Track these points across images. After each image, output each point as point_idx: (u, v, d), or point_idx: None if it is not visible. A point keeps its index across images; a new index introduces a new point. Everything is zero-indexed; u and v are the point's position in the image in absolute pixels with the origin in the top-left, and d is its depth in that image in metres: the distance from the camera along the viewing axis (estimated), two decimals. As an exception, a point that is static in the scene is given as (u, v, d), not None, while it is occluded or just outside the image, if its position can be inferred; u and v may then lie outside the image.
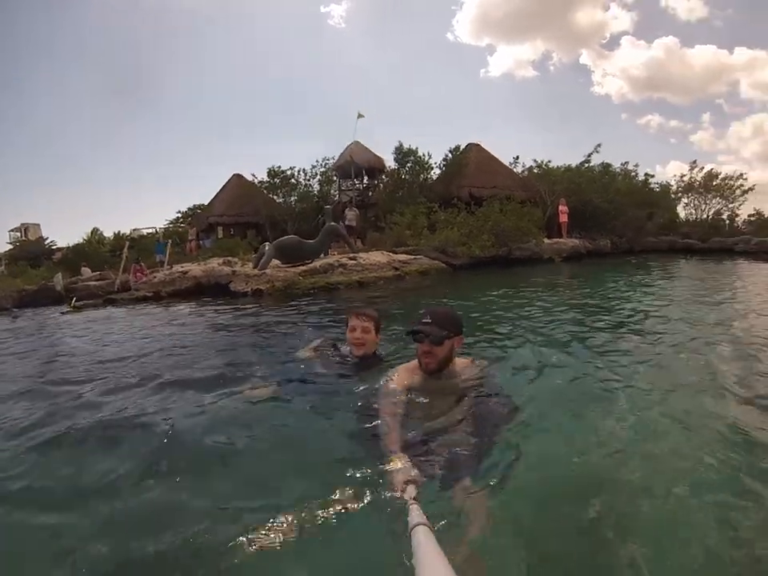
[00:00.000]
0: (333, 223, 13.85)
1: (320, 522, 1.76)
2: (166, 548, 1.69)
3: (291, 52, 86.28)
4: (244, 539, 1.68)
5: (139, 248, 20.86)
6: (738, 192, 24.89)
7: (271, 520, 1.77)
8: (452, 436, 2.26)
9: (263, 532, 1.71)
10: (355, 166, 23.63)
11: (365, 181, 25.47)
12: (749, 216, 26.09)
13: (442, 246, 14.36)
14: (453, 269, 13.45)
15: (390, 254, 13.36)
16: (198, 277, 11.29)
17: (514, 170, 25.14)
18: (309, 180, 24.85)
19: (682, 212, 26.58)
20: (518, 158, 25.37)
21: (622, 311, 6.31)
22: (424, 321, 2.58)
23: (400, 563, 1.46)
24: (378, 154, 24.95)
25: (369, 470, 2.06)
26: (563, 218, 19.24)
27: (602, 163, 23.92)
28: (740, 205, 25.36)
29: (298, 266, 11.19)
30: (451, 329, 2.62)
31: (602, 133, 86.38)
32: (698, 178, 25.33)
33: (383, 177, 24.39)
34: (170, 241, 15.72)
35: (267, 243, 12.18)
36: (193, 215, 33.20)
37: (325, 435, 2.58)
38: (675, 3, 68.97)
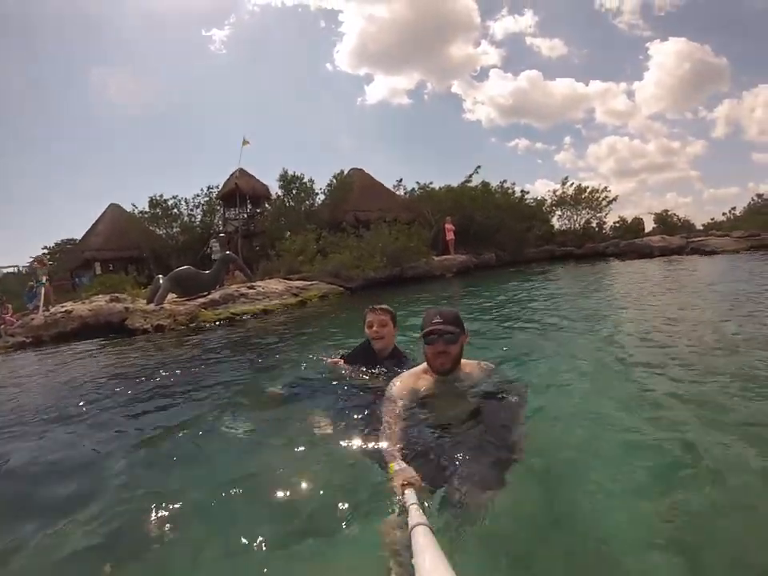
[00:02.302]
0: (228, 252, 13.94)
1: (321, 523, 1.90)
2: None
3: (171, 76, 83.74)
4: (246, 539, 1.83)
5: (2, 289, 18.67)
6: (603, 203, 28.51)
7: (271, 521, 1.93)
8: (467, 446, 2.28)
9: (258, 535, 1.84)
10: (240, 193, 23.58)
11: (248, 209, 25.41)
12: (614, 223, 30.40)
13: (335, 270, 14.86)
14: (350, 291, 14.00)
15: (286, 281, 13.59)
16: (85, 316, 10.34)
17: (397, 192, 26.53)
18: (192, 210, 24.52)
19: (556, 223, 29.55)
20: (401, 180, 26.88)
21: (512, 312, 7.80)
22: (435, 321, 2.61)
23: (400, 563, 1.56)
24: (263, 182, 25.15)
25: (369, 473, 2.22)
26: (450, 236, 20.59)
27: (482, 182, 25.89)
28: (606, 214, 29.16)
29: (195, 298, 10.84)
30: (460, 327, 2.69)
31: (474, 155, 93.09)
32: (569, 192, 28.45)
33: (267, 205, 24.61)
34: (45, 278, 14.12)
35: (161, 276, 11.70)
36: (61, 251, 31.12)
37: (328, 440, 2.73)
38: (539, 42, 78.23)
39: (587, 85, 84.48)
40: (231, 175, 24.55)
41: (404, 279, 16.02)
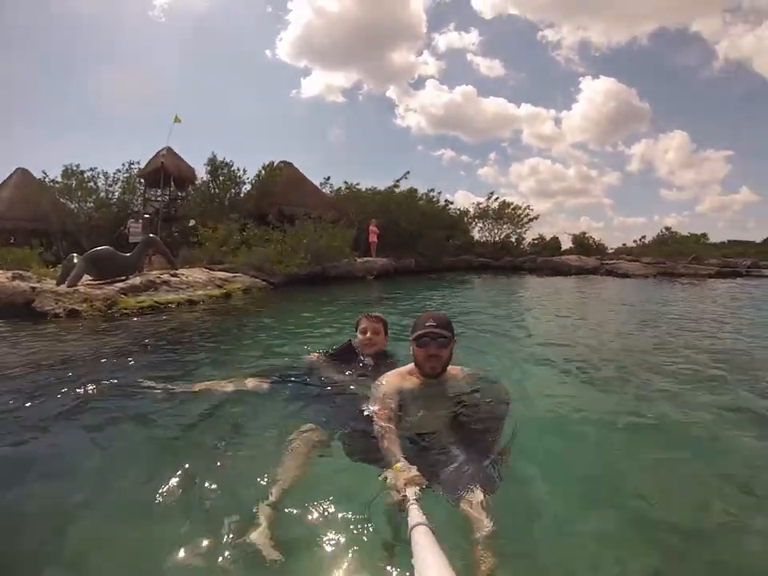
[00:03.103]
0: (153, 235, 13.33)
1: (321, 524, 1.91)
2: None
3: (101, 33, 78.44)
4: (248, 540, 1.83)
5: None
6: (525, 219, 30.48)
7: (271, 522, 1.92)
8: (456, 445, 2.36)
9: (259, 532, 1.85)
10: (165, 173, 22.40)
11: (171, 191, 24.09)
12: (533, 239, 32.37)
13: (259, 263, 14.82)
14: (273, 286, 14.00)
15: (209, 271, 13.36)
16: (-19, 296, 8.50)
17: (324, 190, 26.60)
18: (110, 186, 23.13)
19: (476, 235, 31.10)
20: (329, 178, 26.96)
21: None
22: (429, 324, 2.69)
23: (400, 563, 1.59)
24: (190, 165, 24.16)
25: (368, 474, 2.21)
26: (373, 238, 21.05)
27: (410, 188, 26.64)
28: (526, 230, 31.26)
29: (112, 282, 9.95)
30: (452, 331, 2.77)
31: (401, 160, 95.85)
32: (493, 206, 30.25)
33: (191, 190, 23.80)
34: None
35: (75, 255, 10.70)
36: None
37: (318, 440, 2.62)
38: (479, 60, 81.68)
39: (519, 107, 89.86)
40: (157, 153, 23.23)
41: (326, 278, 16.19)
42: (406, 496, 1.77)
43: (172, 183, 23.64)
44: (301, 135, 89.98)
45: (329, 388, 3.41)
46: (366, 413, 2.62)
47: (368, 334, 3.71)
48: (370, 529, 1.89)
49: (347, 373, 3.59)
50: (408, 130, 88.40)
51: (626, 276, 22.90)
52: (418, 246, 24.34)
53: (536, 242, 32.83)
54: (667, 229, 33.44)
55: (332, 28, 78.30)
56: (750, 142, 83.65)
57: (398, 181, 26.38)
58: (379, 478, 1.97)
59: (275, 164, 24.23)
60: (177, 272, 11.81)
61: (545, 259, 26.94)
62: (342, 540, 1.86)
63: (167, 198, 23.87)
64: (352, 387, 3.33)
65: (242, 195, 23.02)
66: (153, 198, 23.90)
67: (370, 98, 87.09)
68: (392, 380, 2.78)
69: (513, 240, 31.30)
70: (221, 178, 22.23)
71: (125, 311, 8.63)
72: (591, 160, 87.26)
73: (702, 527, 2.19)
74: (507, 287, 17.08)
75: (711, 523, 2.22)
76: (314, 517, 1.99)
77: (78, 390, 3.73)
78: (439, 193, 28.35)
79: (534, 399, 3.80)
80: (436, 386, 2.77)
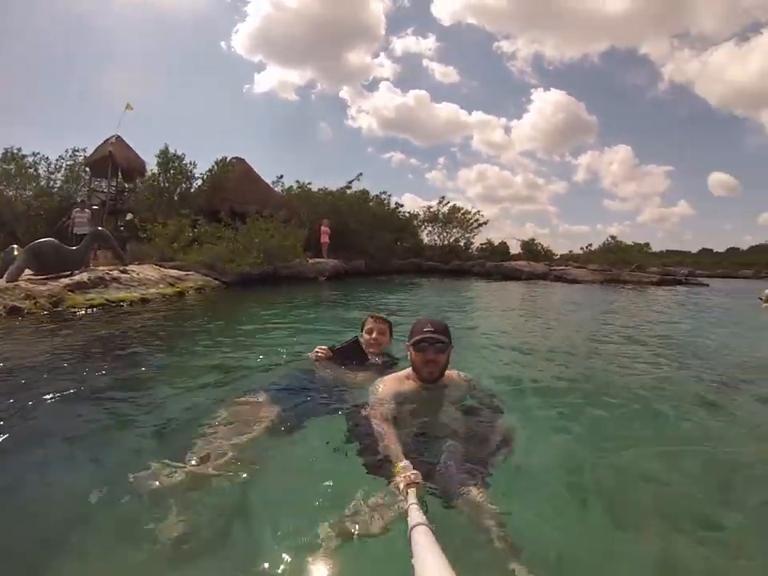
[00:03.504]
0: (101, 228, 12.83)
1: (321, 524, 1.85)
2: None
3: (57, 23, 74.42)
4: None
5: None
6: (474, 224, 31.15)
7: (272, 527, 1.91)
8: (452, 447, 2.30)
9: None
10: (113, 163, 21.60)
11: (118, 183, 23.26)
12: (481, 244, 33.02)
13: (211, 261, 14.61)
14: (225, 285, 13.84)
15: (160, 268, 13.01)
16: None
17: (276, 188, 26.38)
18: (52, 173, 22.24)
19: (425, 238, 31.54)
20: (281, 177, 26.97)
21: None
22: (427, 330, 2.74)
23: (400, 563, 1.51)
24: (140, 156, 23.15)
25: (367, 475, 2.22)
26: (324, 239, 21.00)
27: (362, 190, 26.85)
28: (474, 235, 31.92)
29: (56, 277, 9.37)
30: (449, 337, 2.82)
31: (350, 161, 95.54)
32: (443, 210, 30.71)
33: (140, 182, 22.92)
34: None
35: (15, 246, 10.27)
36: None
37: (319, 441, 2.65)
38: (434, 66, 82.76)
39: (470, 114, 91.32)
40: (106, 141, 22.22)
41: (278, 278, 16.10)
42: (407, 495, 1.79)
43: (120, 174, 22.79)
44: (253, 131, 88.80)
45: (342, 390, 3.32)
46: (364, 414, 2.65)
47: (374, 335, 3.81)
48: (370, 529, 1.86)
49: (359, 374, 3.53)
50: (359, 131, 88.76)
51: (576, 282, 23.88)
52: (369, 248, 24.49)
53: (484, 246, 33.49)
54: (612, 237, 34.61)
55: (290, 23, 77.65)
56: (689, 159, 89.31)
57: (350, 182, 26.66)
58: (389, 486, 1.98)
59: (228, 159, 23.71)
60: (126, 268, 11.37)
61: (495, 264, 27.57)
62: (342, 540, 1.83)
63: (114, 189, 22.88)
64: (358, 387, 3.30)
65: (192, 190, 22.33)
66: (99, 189, 23.00)
67: (323, 97, 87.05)
68: (390, 384, 2.82)
69: (461, 244, 31.88)
70: (171, 172, 21.46)
71: (72, 309, 8.17)
72: (539, 168, 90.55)
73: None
74: (459, 290, 17.53)
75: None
76: (314, 517, 1.96)
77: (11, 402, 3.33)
78: (390, 195, 28.77)
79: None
80: (433, 391, 2.83)
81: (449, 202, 31.37)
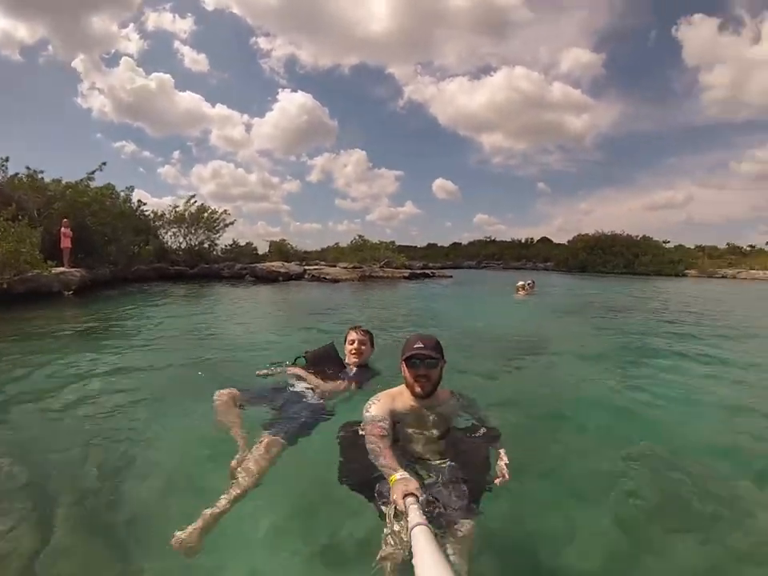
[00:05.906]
0: None
1: (321, 524, 2.00)
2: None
3: None
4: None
5: None
6: (221, 225, 29.41)
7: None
8: (446, 469, 2.50)
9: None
10: None
11: None
12: (227, 245, 32.00)
13: None
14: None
15: None
16: None
17: (-3, 176, 19.95)
18: None
19: (170, 240, 28.63)
20: (7, 159, 20.09)
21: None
22: (417, 346, 2.74)
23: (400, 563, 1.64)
24: None
25: (367, 488, 2.29)
26: (66, 243, 17.10)
27: (107, 184, 22.66)
28: (220, 236, 30.33)
29: None
30: (441, 353, 2.82)
31: (75, 146, 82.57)
32: (191, 210, 28.25)
33: None
34: None
35: None
36: None
37: (315, 457, 2.85)
38: (186, 50, 78.41)
39: (213, 107, 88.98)
40: None
41: (12, 296, 12.34)
42: (404, 503, 1.77)
43: None
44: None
45: (319, 401, 3.56)
46: (360, 432, 2.69)
47: (355, 345, 4.06)
48: (370, 529, 1.96)
49: (330, 383, 3.81)
50: (89, 112, 77.51)
51: (336, 281, 24.46)
52: (110, 253, 20.62)
53: (230, 247, 32.33)
54: (360, 236, 37.27)
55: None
56: (417, 166, 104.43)
57: (92, 173, 21.61)
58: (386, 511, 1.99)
59: None
60: None
61: (247, 266, 26.42)
62: (342, 540, 1.98)
63: None
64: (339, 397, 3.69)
65: None
66: None
67: (53, 64, 72.86)
68: (384, 400, 2.83)
69: (206, 246, 29.74)
70: None
71: None
72: (274, 168, 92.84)
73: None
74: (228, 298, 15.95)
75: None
76: (314, 518, 2.15)
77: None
78: (132, 191, 24.88)
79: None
80: (427, 407, 2.84)
81: (196, 201, 28.75)
